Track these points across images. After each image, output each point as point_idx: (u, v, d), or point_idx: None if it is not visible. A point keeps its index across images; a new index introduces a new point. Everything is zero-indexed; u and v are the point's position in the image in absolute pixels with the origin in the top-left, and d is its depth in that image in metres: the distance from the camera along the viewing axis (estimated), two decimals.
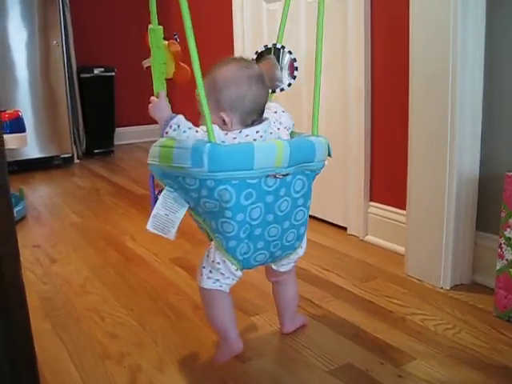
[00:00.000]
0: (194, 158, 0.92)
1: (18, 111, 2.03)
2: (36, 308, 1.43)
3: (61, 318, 1.38)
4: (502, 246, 1.30)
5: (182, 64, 1.07)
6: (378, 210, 1.84)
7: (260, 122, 1.04)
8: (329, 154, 1.08)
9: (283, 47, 1.16)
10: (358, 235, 1.91)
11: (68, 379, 1.12)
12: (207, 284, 1.07)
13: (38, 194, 2.79)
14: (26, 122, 2.05)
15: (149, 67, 1.06)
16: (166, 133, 0.99)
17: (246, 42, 2.50)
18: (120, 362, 1.17)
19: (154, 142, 1.02)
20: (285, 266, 1.15)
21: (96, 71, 3.54)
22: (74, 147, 3.44)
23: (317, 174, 1.08)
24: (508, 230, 1.28)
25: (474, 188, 1.46)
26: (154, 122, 1.05)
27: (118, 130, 3.80)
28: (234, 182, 0.94)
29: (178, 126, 0.99)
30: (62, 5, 3.25)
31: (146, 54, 1.06)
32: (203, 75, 0.92)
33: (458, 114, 1.39)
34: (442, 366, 1.12)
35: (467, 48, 1.37)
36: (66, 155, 3.38)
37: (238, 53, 2.49)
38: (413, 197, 1.55)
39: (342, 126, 1.91)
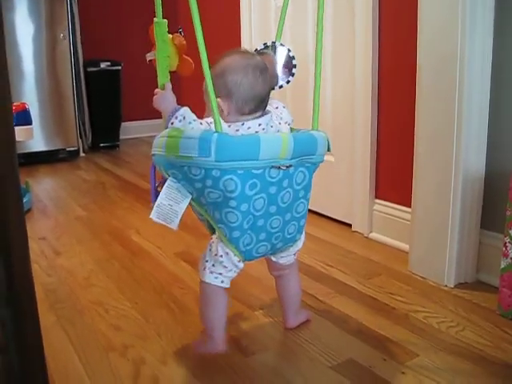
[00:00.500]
0: (201, 147, 0.92)
1: (25, 104, 2.04)
2: (41, 300, 1.43)
3: (65, 311, 1.39)
4: (507, 244, 1.30)
5: (186, 57, 1.08)
6: (383, 207, 1.84)
7: (262, 115, 1.05)
8: (328, 149, 1.10)
9: (282, 45, 1.17)
10: (362, 232, 1.91)
11: (72, 371, 1.13)
12: (209, 278, 1.07)
13: (43, 187, 2.80)
14: (32, 115, 2.06)
15: (151, 60, 1.06)
16: (172, 123, 1.00)
17: (253, 39, 2.49)
18: (124, 355, 1.18)
19: None
20: (284, 258, 1.16)
21: (102, 65, 3.54)
22: (79, 141, 3.45)
23: (316, 168, 1.09)
24: None
25: (480, 186, 1.45)
26: (160, 116, 1.05)
27: (123, 124, 3.81)
28: (239, 171, 0.95)
29: (184, 118, 1.00)
30: None
31: (152, 48, 1.06)
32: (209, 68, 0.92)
33: (465, 112, 1.38)
34: (444, 363, 1.12)
35: (475, 43, 1.36)
36: (72, 148, 3.39)
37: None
38: (418, 194, 1.54)
39: (349, 123, 1.91)
